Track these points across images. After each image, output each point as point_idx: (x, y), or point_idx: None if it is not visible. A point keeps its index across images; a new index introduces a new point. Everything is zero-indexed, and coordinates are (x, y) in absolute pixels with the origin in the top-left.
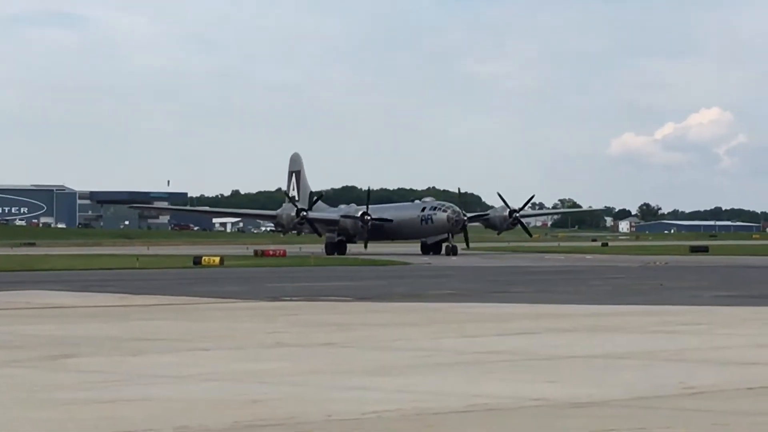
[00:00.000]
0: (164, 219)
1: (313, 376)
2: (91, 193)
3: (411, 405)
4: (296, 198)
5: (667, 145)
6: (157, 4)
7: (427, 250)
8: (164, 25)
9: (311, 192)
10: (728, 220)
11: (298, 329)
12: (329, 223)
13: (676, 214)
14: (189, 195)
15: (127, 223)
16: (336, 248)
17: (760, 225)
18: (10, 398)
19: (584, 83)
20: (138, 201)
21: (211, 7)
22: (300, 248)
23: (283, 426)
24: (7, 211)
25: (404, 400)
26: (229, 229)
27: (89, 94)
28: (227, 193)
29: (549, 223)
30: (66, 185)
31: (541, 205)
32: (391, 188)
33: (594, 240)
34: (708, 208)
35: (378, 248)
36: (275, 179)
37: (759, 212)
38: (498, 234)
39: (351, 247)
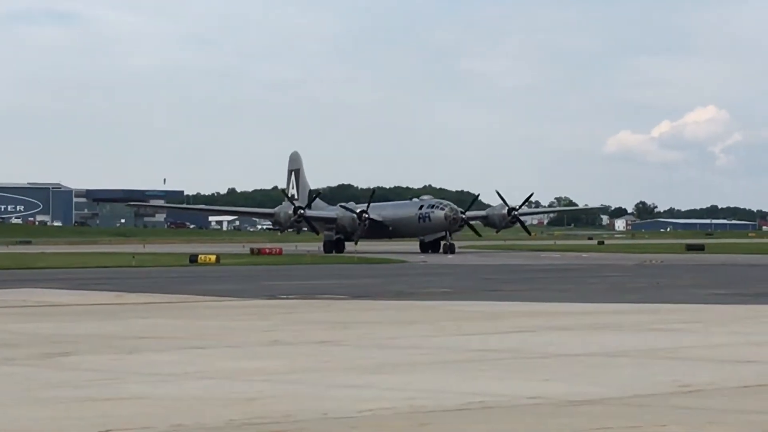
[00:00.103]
0: (160, 217)
1: (308, 374)
2: (87, 191)
3: (406, 403)
4: (295, 196)
5: (664, 144)
6: (154, 2)
7: (425, 248)
8: (161, 23)
9: (310, 190)
10: (724, 218)
11: (294, 327)
12: (327, 221)
13: (672, 213)
14: (185, 193)
15: (123, 221)
16: (334, 246)
17: (756, 223)
18: (6, 396)
19: (580, 81)
20: (134, 199)
21: (207, 5)
22: (296, 246)
23: (278, 424)
24: (3, 210)
25: (400, 398)
26: (225, 228)
27: (86, 92)
28: (223, 191)
29: (545, 222)
30: (62, 183)
31: (538, 204)
32: (388, 186)
33: (590, 238)
34: (704, 207)
35: (377, 246)
36: (271, 177)
37: (755, 210)
38: (497, 232)
39: (350, 246)
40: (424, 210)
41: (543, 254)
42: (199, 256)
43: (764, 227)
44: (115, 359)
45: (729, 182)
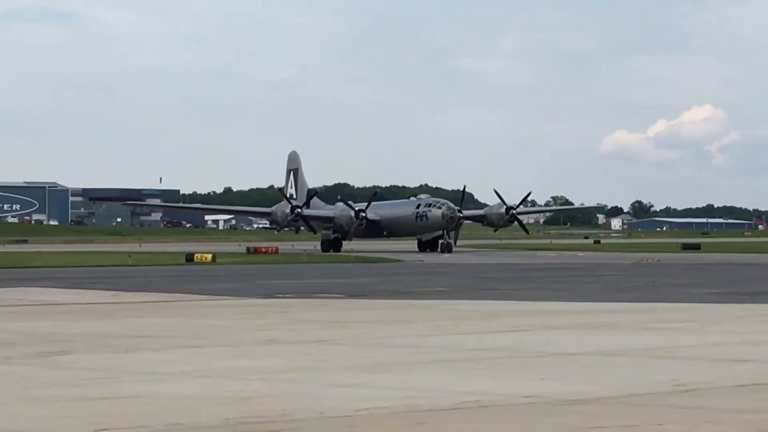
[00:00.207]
0: (156, 216)
1: (305, 373)
2: (84, 190)
3: (402, 402)
4: (294, 196)
5: (660, 143)
6: (152, 2)
7: (423, 247)
8: (158, 22)
9: (309, 189)
10: (720, 217)
11: (291, 326)
12: (325, 221)
13: (668, 212)
14: (181, 192)
15: (119, 220)
16: (332, 245)
17: (752, 222)
18: (3, 395)
19: (577, 81)
20: (130, 198)
21: (204, 5)
22: (292, 245)
23: (275, 423)
24: None
25: (396, 397)
26: (221, 226)
27: (82, 92)
28: (219, 190)
29: (541, 221)
30: (58, 182)
31: (534, 203)
32: (384, 185)
33: (586, 237)
34: (700, 206)
35: (375, 245)
36: (268, 176)
37: (751, 210)
38: (495, 231)
39: (347, 244)
40: (421, 209)
41: (539, 253)
42: (196, 255)
43: (760, 226)
44: (112, 358)
45: (725, 181)
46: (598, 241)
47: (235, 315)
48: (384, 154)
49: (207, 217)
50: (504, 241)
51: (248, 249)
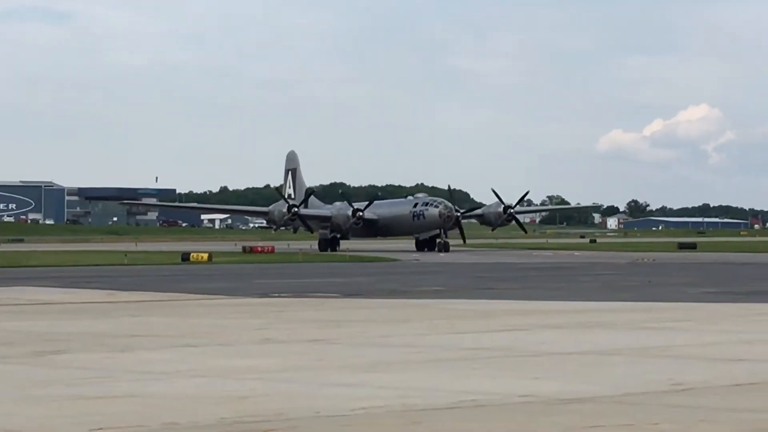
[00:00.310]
0: (152, 215)
1: (301, 372)
2: (80, 189)
3: (399, 401)
4: (292, 195)
5: (656, 142)
6: (149, 1)
7: (421, 246)
8: (155, 21)
9: (306, 189)
10: (716, 216)
11: (287, 326)
12: (322, 220)
13: (664, 211)
14: (177, 191)
15: (115, 219)
16: (329, 244)
17: (748, 222)
18: None
19: (573, 80)
20: (126, 197)
21: (202, 4)
22: (288, 245)
23: (271, 422)
24: None
25: (392, 396)
26: (217, 226)
27: (78, 91)
28: (215, 189)
29: (537, 220)
30: (54, 182)
31: (530, 202)
32: (380, 185)
33: (582, 237)
34: (696, 205)
35: (373, 245)
36: (264, 176)
37: (747, 209)
38: (492, 230)
39: (344, 244)
40: (418, 208)
41: (535, 253)
42: (192, 254)
43: (756, 226)
44: (108, 357)
45: (721, 181)
46: (594, 241)
47: (230, 314)
48: (380, 154)
49: (203, 217)
50: (500, 241)
51: (244, 248)
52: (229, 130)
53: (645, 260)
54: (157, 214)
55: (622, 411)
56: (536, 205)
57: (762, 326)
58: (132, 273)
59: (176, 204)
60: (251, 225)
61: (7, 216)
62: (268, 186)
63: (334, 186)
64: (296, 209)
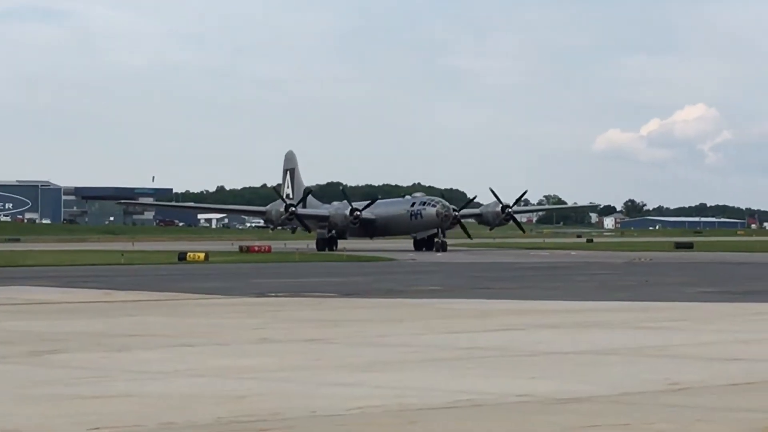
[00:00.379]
0: (149, 215)
1: (298, 372)
2: (76, 188)
3: (395, 401)
4: (290, 195)
5: (652, 142)
6: (145, 0)
7: (419, 245)
8: (152, 20)
9: (304, 188)
10: (713, 216)
11: (284, 325)
12: (320, 219)
13: (661, 211)
14: (174, 191)
15: (112, 218)
16: (327, 244)
17: (745, 221)
18: None
19: (569, 80)
20: (123, 197)
21: (200, 3)
22: (285, 244)
23: (267, 422)
24: None
25: (388, 396)
26: (214, 225)
27: (75, 90)
28: (212, 188)
29: (534, 220)
30: (51, 181)
31: (527, 202)
32: (376, 184)
33: (579, 236)
34: (693, 205)
35: (371, 244)
36: (261, 175)
37: (743, 208)
38: (490, 230)
39: (342, 243)
40: (415, 207)
41: (532, 252)
42: (188, 253)
43: (753, 225)
44: (105, 357)
45: (718, 180)
46: (591, 240)
47: (227, 314)
48: (377, 153)
49: (200, 216)
50: (497, 240)
51: (241, 248)
52: (225, 129)
53: (642, 260)
54: (153, 213)
55: (619, 411)
56: (533, 204)
57: (759, 326)
58: (129, 273)
59: (173, 204)
60: (248, 225)
61: (4, 215)
62: (265, 185)
63: (331, 185)
64: (293, 209)
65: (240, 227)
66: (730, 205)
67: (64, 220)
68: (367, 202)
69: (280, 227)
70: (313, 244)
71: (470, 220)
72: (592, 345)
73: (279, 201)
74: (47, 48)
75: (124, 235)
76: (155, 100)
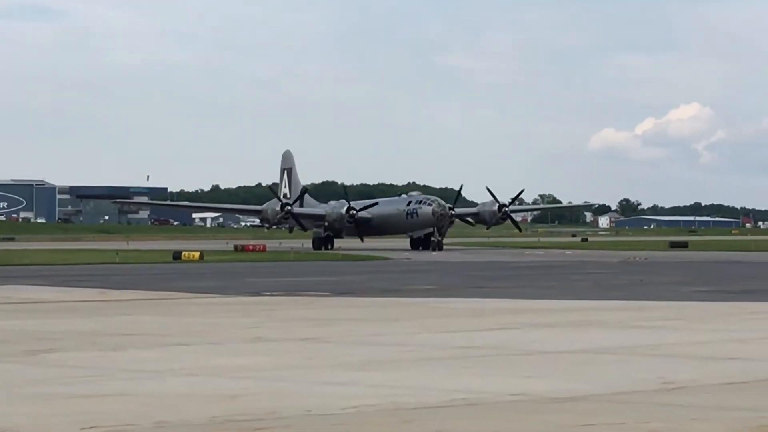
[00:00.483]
0: (144, 214)
1: (292, 371)
2: (71, 187)
3: (390, 400)
4: (288, 195)
5: (647, 141)
6: None
7: (416, 244)
8: (145, 18)
9: (302, 187)
10: (708, 215)
11: (278, 324)
12: (316, 219)
13: (655, 210)
14: (169, 190)
15: (107, 218)
16: (323, 243)
17: (740, 220)
18: None
19: (564, 79)
20: (118, 196)
21: (194, 1)
22: (280, 243)
23: (262, 421)
24: None
25: (383, 395)
26: (209, 224)
27: (70, 89)
28: (207, 188)
29: (529, 219)
30: (46, 180)
31: (522, 201)
32: (371, 183)
33: (574, 235)
34: (688, 204)
35: (368, 243)
36: (255, 174)
37: (738, 208)
38: (487, 229)
39: (338, 242)
40: (411, 206)
41: (527, 251)
42: (183, 252)
43: (747, 224)
44: (99, 356)
45: (713, 179)
46: (586, 239)
47: (222, 313)
48: (373, 152)
49: (194, 215)
50: (492, 239)
51: (236, 247)
52: (220, 128)
53: (636, 259)
54: (148, 212)
55: (614, 410)
56: (528, 203)
57: (753, 325)
58: (124, 272)
59: (169, 203)
60: (243, 224)
61: None
62: (260, 185)
63: (326, 184)
64: (290, 207)
65: (235, 226)
66: (725, 204)
67: (58, 219)
68: (368, 204)
69: (276, 226)
70: (308, 244)
71: (467, 218)
72: (587, 344)
73: (275, 200)
74: (42, 47)
75: (119, 234)
76: (150, 100)
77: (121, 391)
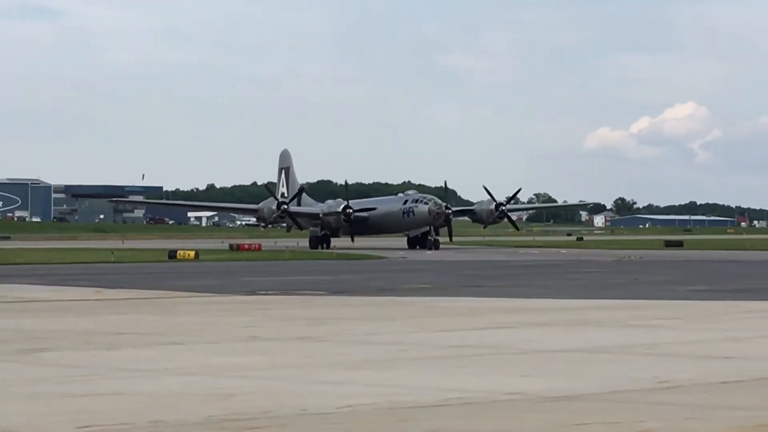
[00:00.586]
0: (139, 213)
1: (288, 370)
2: (66, 186)
3: (385, 399)
4: (286, 194)
5: (643, 140)
6: None
7: (413, 243)
8: (142, 18)
9: (300, 186)
10: (703, 214)
11: (274, 323)
12: (312, 217)
13: (651, 209)
14: (164, 189)
15: (102, 216)
16: (320, 242)
17: (735, 219)
18: None
19: (560, 78)
20: (113, 195)
21: (191, 1)
22: (275, 242)
23: (257, 420)
24: None
25: (378, 394)
26: (204, 223)
27: (65, 88)
28: (202, 186)
29: (524, 218)
30: (41, 179)
31: (517, 200)
32: (367, 182)
33: (569, 234)
34: (683, 203)
35: (365, 242)
36: (250, 173)
37: (733, 207)
38: (484, 227)
39: (335, 241)
40: (408, 205)
41: (522, 250)
42: (178, 251)
43: (743, 223)
44: (94, 355)
45: (708, 179)
46: (581, 239)
47: (217, 312)
48: (369, 151)
49: (190, 214)
50: (487, 238)
51: (231, 246)
52: (215, 127)
53: (632, 258)
54: (143, 211)
55: (609, 409)
56: (523, 202)
57: (748, 324)
58: (119, 270)
59: (163, 201)
60: (238, 223)
61: None
62: (255, 184)
63: (322, 183)
64: (286, 206)
65: (230, 225)
66: (720, 203)
67: (54, 218)
68: (366, 206)
69: (272, 225)
70: (304, 243)
71: (465, 217)
72: (583, 343)
73: (271, 199)
74: (38, 46)
75: (114, 233)
76: (146, 99)
77: (117, 390)
